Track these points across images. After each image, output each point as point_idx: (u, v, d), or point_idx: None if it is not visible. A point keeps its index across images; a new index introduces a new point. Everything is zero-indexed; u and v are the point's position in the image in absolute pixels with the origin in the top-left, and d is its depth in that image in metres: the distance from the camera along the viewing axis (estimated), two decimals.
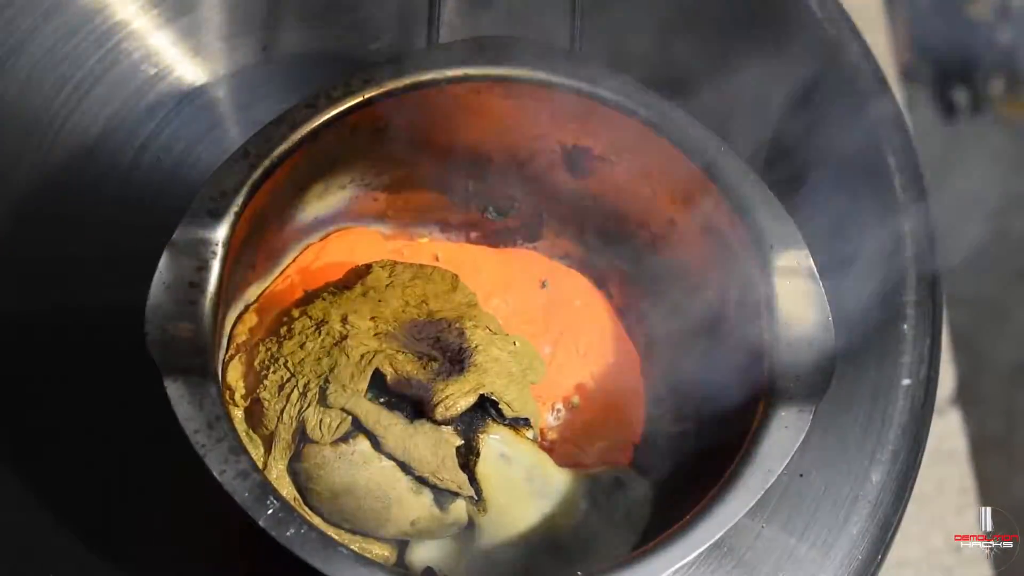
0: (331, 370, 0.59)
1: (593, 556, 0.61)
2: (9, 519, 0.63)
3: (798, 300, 0.60)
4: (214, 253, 0.56)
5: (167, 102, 0.74)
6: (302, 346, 0.60)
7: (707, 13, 0.80)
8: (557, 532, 0.61)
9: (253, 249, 0.63)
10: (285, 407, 0.59)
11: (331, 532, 0.60)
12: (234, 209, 0.57)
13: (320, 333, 0.61)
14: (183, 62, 0.75)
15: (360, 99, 0.61)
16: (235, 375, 0.61)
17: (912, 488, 0.70)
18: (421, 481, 0.60)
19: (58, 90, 0.72)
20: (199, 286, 0.55)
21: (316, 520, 0.60)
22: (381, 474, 0.59)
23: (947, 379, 1.07)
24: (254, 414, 0.61)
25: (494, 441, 0.61)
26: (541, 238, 0.73)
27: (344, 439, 0.59)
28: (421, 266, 0.66)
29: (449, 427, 0.60)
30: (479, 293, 0.67)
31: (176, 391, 0.53)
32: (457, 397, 0.59)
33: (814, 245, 0.61)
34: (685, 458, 0.64)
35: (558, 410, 0.68)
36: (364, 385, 0.59)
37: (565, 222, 0.72)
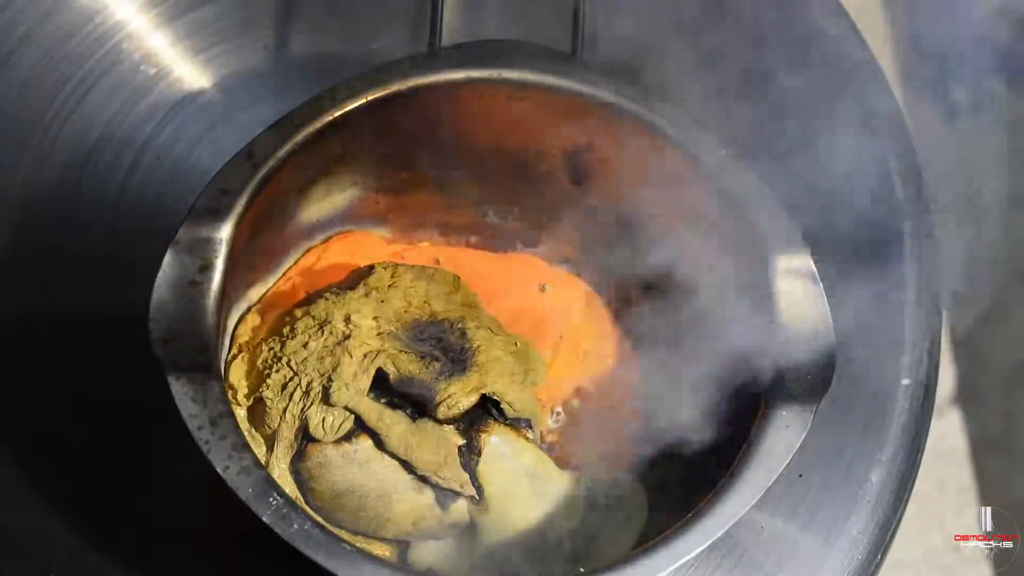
0: (334, 369, 0.59)
1: (593, 557, 0.61)
2: (9, 519, 0.63)
3: (798, 301, 0.60)
4: (217, 252, 0.56)
5: (167, 102, 0.73)
6: (305, 345, 0.60)
7: (707, 15, 0.80)
8: (557, 532, 0.62)
9: (255, 250, 0.63)
10: (288, 406, 0.59)
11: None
12: (237, 209, 0.57)
13: (323, 332, 0.61)
14: (183, 62, 0.75)
15: (364, 101, 0.61)
16: (237, 375, 0.61)
17: (912, 488, 0.70)
18: (423, 480, 0.60)
19: (58, 90, 0.72)
20: (202, 284, 0.55)
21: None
22: (383, 472, 0.59)
23: (947, 379, 1.08)
24: (257, 414, 0.61)
25: (495, 441, 0.61)
26: (541, 243, 0.73)
27: (347, 438, 0.59)
28: (423, 267, 0.66)
29: (451, 426, 0.60)
30: (479, 297, 0.67)
31: (180, 388, 0.53)
32: (459, 396, 0.59)
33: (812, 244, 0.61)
34: (685, 459, 0.64)
35: (557, 413, 0.68)
36: (367, 384, 0.60)
37: (565, 226, 0.72)
